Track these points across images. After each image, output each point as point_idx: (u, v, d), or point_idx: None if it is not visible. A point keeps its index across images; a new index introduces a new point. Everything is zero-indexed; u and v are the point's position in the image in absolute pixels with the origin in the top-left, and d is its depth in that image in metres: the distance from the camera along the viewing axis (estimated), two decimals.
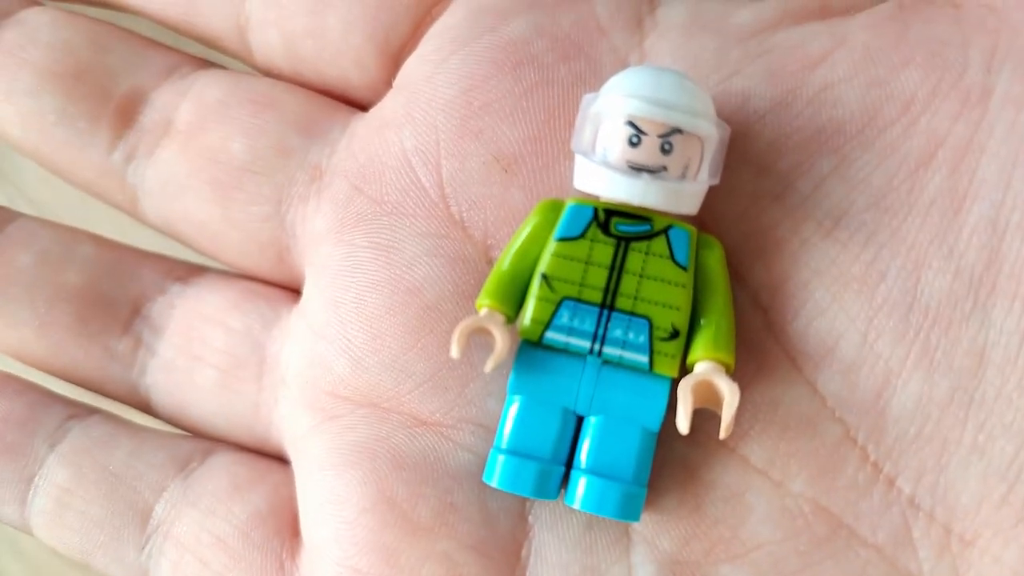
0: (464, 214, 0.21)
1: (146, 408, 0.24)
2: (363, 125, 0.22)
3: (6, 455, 0.22)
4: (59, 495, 0.22)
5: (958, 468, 0.19)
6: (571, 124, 0.20)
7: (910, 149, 0.19)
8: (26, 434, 0.23)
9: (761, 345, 0.20)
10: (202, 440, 0.23)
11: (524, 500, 0.20)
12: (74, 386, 0.24)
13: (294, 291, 0.23)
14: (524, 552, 0.20)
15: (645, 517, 0.20)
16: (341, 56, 0.22)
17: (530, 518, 0.20)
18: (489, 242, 0.20)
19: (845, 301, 0.19)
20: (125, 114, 0.23)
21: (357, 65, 0.22)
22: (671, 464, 0.20)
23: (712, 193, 0.19)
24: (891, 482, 0.19)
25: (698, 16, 0.21)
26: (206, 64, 0.24)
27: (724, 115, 0.20)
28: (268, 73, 0.24)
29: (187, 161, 0.23)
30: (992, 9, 0.20)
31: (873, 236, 0.19)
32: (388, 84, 0.22)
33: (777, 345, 0.20)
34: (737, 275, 0.20)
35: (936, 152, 0.19)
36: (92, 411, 0.23)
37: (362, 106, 0.23)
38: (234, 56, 0.24)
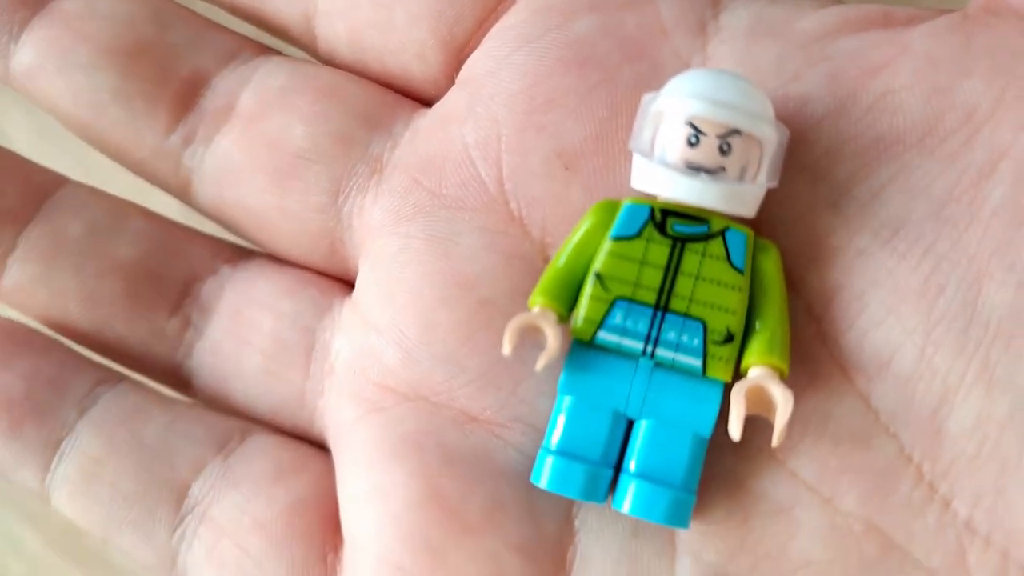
0: (523, 210, 0.21)
1: (186, 389, 0.23)
2: (426, 120, 0.22)
3: (33, 416, 0.21)
4: (88, 464, 0.21)
5: (1017, 491, 0.18)
6: (633, 125, 0.20)
7: (972, 159, 0.19)
8: (55, 396, 0.22)
9: (814, 355, 0.19)
10: (238, 420, 0.23)
11: (571, 504, 0.20)
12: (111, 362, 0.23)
13: (346, 283, 0.23)
14: (569, 557, 0.20)
15: (691, 528, 0.19)
16: (404, 49, 0.22)
17: (576, 522, 0.20)
18: (547, 240, 0.20)
19: (902, 313, 0.19)
20: (186, 97, 0.23)
21: (419, 58, 0.22)
22: (719, 475, 0.19)
23: (767, 199, 0.19)
24: (947, 504, 0.19)
25: (761, 21, 0.21)
26: (266, 49, 0.24)
27: (782, 120, 0.19)
28: (330, 63, 0.24)
29: (246, 147, 0.23)
30: None
31: (932, 247, 0.19)
32: (448, 79, 0.22)
33: (830, 356, 0.19)
34: (791, 283, 0.19)
35: (999, 163, 0.19)
36: (120, 377, 0.23)
37: (422, 100, 0.23)
38: (297, 44, 0.24)
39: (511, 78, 0.21)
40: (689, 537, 0.20)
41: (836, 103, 0.20)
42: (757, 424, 0.19)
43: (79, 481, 0.21)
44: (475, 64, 0.22)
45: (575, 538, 0.20)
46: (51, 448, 0.21)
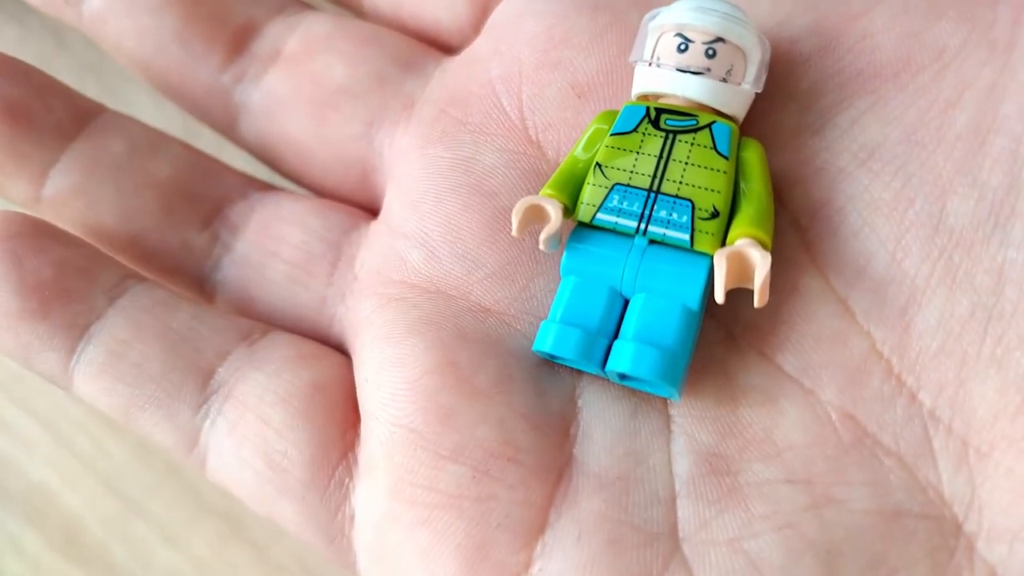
0: (540, 135, 0.23)
1: (210, 300, 0.24)
2: (454, 63, 0.25)
3: (62, 299, 0.22)
4: (115, 346, 0.22)
5: (976, 382, 0.19)
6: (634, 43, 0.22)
7: (940, 91, 0.21)
8: (84, 283, 0.22)
9: (798, 262, 0.21)
10: (259, 322, 0.24)
11: (574, 384, 0.21)
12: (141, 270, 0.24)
13: (371, 212, 0.25)
14: (572, 430, 0.21)
15: (685, 411, 0.21)
16: (437, 2, 0.26)
17: (579, 402, 0.21)
18: (560, 159, 0.23)
19: (876, 224, 0.20)
20: (239, 41, 0.26)
21: (448, 9, 0.26)
22: (711, 367, 0.21)
23: (758, 125, 0.21)
24: (913, 395, 0.20)
25: None
26: (311, 7, 0.27)
27: (773, 57, 0.22)
28: (372, 18, 0.27)
29: (290, 83, 0.25)
30: None
31: (904, 166, 0.21)
32: (474, 30, 0.25)
33: (813, 263, 0.21)
34: (779, 199, 0.21)
35: (964, 93, 0.21)
36: (146, 278, 0.24)
37: (450, 51, 0.26)
38: (343, 3, 0.27)
39: (532, 21, 0.24)
40: (684, 420, 0.21)
41: (821, 44, 0.22)
42: (745, 321, 0.21)
43: (104, 361, 0.22)
44: (500, 12, 0.25)
45: (578, 416, 0.21)
46: (79, 331, 0.22)
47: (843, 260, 0.21)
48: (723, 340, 0.21)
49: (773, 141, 0.22)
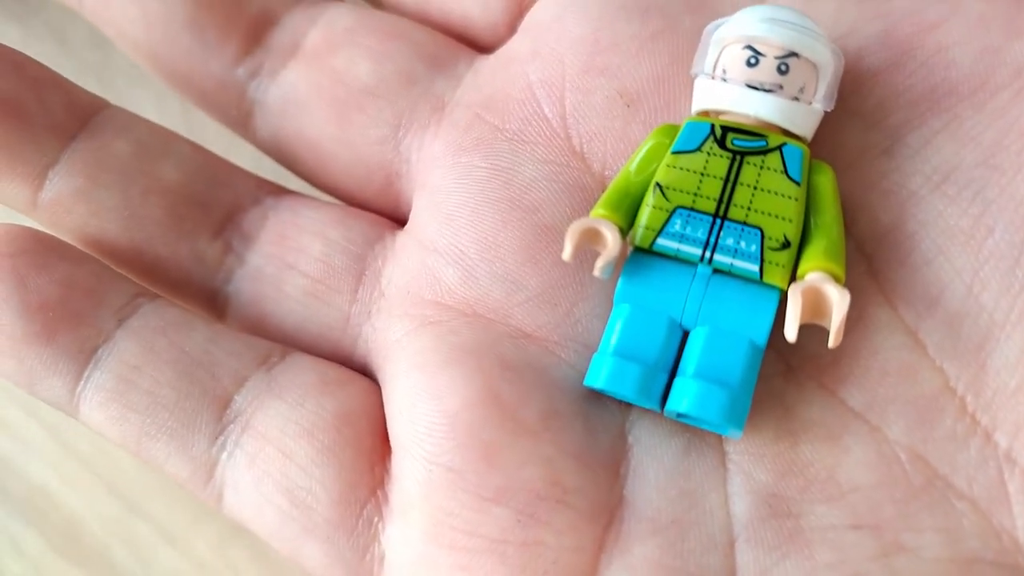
0: (584, 145, 0.21)
1: (220, 316, 0.23)
2: (488, 63, 0.23)
3: (68, 322, 0.20)
4: (125, 372, 0.20)
5: None
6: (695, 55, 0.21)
7: (1021, 112, 0.20)
8: (92, 303, 0.21)
9: (864, 291, 0.20)
10: (277, 343, 0.22)
11: (624, 419, 0.20)
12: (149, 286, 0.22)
13: (395, 220, 0.23)
14: (623, 469, 0.20)
15: (741, 448, 0.19)
16: None
17: (630, 438, 0.20)
18: (607, 173, 0.21)
19: (951, 253, 0.19)
20: (255, 32, 0.24)
21: (480, 4, 0.24)
22: (769, 400, 0.20)
23: (822, 145, 0.20)
24: (988, 435, 0.19)
25: None
26: None
27: None
28: (392, 11, 0.25)
29: (311, 79, 0.23)
30: None
31: (981, 192, 0.19)
32: (508, 28, 0.24)
33: (880, 293, 0.20)
34: (844, 224, 0.20)
35: None
36: (156, 295, 0.22)
37: (481, 48, 0.24)
38: None
39: (575, 23, 0.22)
40: (740, 457, 0.19)
41: (890, 57, 0.21)
42: (806, 351, 0.19)
43: (114, 388, 0.20)
44: (539, 10, 0.23)
45: (628, 453, 0.20)
46: (86, 355, 0.21)
47: (914, 290, 0.19)
48: (782, 371, 0.20)
49: (837, 161, 0.20)
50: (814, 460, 0.19)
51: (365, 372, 0.22)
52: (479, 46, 0.24)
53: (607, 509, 0.19)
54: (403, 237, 0.22)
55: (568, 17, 0.22)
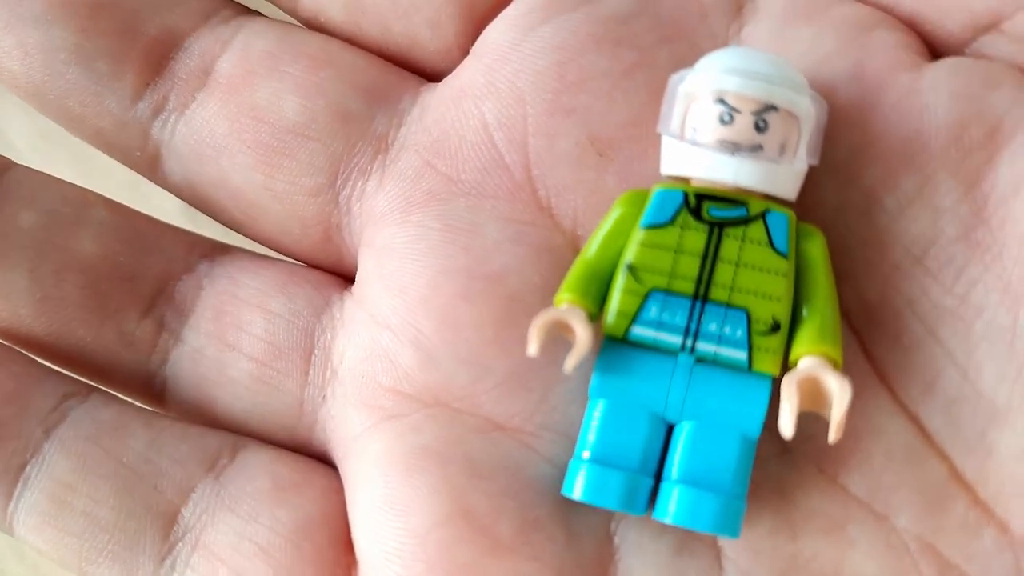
0: (552, 200, 0.19)
1: (160, 403, 0.21)
2: (436, 96, 0.20)
3: None
4: (58, 491, 0.19)
5: None
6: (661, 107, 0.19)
7: (997, 180, 0.18)
8: (15, 413, 0.19)
9: (859, 369, 0.18)
10: (226, 433, 0.20)
11: (609, 521, 0.18)
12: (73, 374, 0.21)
13: (340, 276, 0.21)
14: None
15: (737, 543, 0.18)
16: (415, 11, 0.20)
17: (616, 539, 0.18)
18: (579, 232, 0.19)
19: (941, 335, 0.18)
20: (155, 58, 0.20)
21: (431, 25, 0.20)
22: (764, 487, 0.18)
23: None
24: (1004, 526, 0.18)
25: (798, 3, 0.20)
26: (246, 10, 0.21)
27: None
28: (317, 27, 0.21)
29: (228, 118, 0.20)
30: None
31: (964, 270, 0.18)
32: (463, 52, 0.21)
33: (875, 372, 0.18)
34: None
35: (1022, 186, 0.18)
36: (90, 389, 0.20)
37: (427, 76, 0.21)
38: (277, 2, 0.22)
39: (537, 53, 0.19)
40: (737, 554, 0.18)
41: (862, 95, 0.19)
42: (804, 432, 0.18)
43: (47, 511, 0.19)
44: (495, 34, 0.20)
45: (615, 557, 0.18)
46: (13, 473, 0.19)
47: (909, 372, 0.18)
48: (777, 454, 0.18)
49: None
50: (817, 554, 0.18)
51: (325, 459, 0.20)
52: (424, 73, 0.21)
53: None
54: (352, 306, 0.20)
55: (527, 45, 0.19)
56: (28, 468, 0.19)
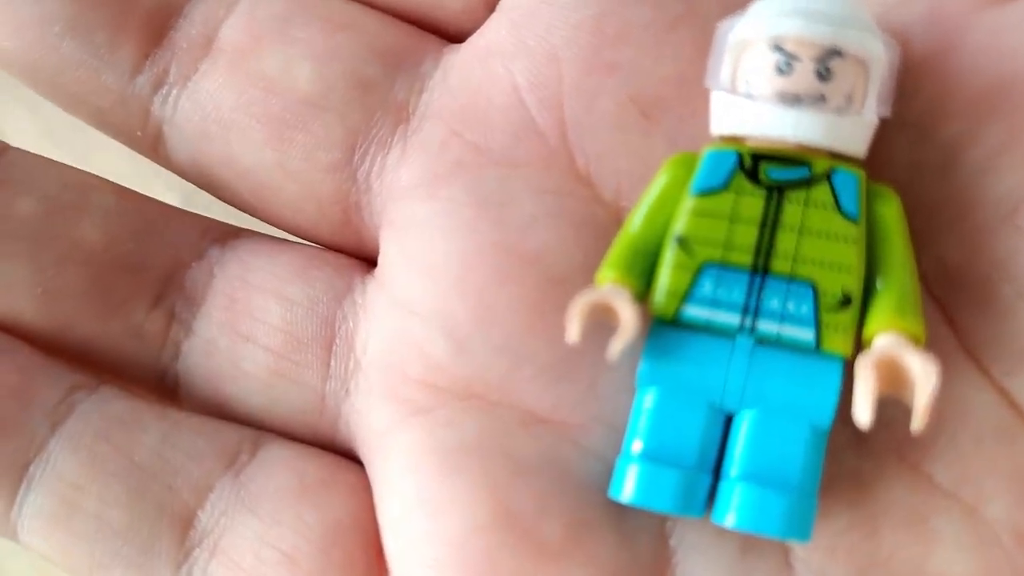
0: (592, 167, 0.17)
1: (173, 399, 0.20)
2: (460, 57, 0.19)
3: None
4: (66, 492, 0.18)
5: None
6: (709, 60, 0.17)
7: None
8: (19, 407, 0.18)
9: (941, 343, 0.16)
10: (245, 427, 0.19)
11: (664, 519, 0.17)
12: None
13: (362, 259, 0.20)
14: None
15: (811, 543, 0.16)
16: None
17: (672, 541, 0.17)
18: (622, 203, 0.17)
19: None
20: (154, 27, 0.19)
21: None
22: (840, 479, 0.16)
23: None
24: None
25: None
26: None
27: None
28: None
29: (235, 90, 0.19)
30: None
31: None
32: (489, 9, 0.19)
33: (960, 345, 0.16)
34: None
35: None
36: (98, 383, 0.19)
37: (452, 37, 0.19)
38: None
39: (572, 5, 0.18)
40: (809, 553, 0.16)
41: (938, 41, 0.17)
42: (880, 418, 0.16)
43: (54, 513, 0.18)
44: None
45: (672, 560, 0.17)
46: (16, 473, 0.18)
47: (998, 342, 0.16)
48: (852, 443, 0.16)
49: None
50: (898, 550, 0.16)
51: (351, 458, 0.19)
52: (447, 34, 0.20)
53: None
54: (374, 290, 0.19)
55: None
56: (32, 467, 0.18)
